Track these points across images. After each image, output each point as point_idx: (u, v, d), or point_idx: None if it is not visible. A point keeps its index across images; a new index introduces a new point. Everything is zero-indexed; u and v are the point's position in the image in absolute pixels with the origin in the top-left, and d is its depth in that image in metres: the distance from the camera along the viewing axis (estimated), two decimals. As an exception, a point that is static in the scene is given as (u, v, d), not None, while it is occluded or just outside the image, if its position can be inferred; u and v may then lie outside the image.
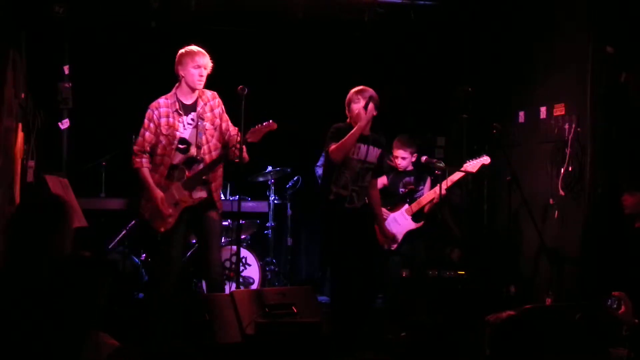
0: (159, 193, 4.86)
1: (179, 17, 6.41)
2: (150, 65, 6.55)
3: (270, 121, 4.84)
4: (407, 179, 6.00)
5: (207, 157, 4.90)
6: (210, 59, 4.94)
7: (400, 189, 5.98)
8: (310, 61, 7.12)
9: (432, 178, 5.95)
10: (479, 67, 6.91)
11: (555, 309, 4.56)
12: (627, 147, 5.53)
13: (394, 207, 5.96)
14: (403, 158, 5.97)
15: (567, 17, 5.92)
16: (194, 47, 4.95)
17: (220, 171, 5.00)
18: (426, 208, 5.85)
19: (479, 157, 5.69)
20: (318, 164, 6.13)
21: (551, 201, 5.97)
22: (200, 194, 4.93)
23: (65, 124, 6.39)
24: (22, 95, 5.49)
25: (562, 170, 5.81)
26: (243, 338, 4.28)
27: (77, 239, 2.84)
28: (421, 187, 5.96)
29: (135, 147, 4.95)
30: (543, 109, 6.14)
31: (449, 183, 5.72)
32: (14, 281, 2.59)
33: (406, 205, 5.90)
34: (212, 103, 4.97)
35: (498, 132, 5.71)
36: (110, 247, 6.28)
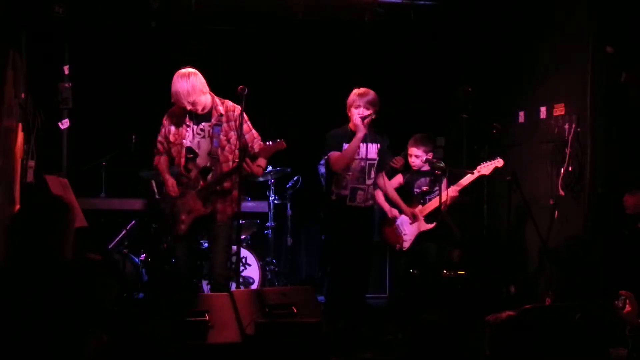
0: (169, 179, 4.95)
1: (179, 17, 6.41)
2: (150, 65, 6.55)
3: (280, 140, 4.80)
4: (421, 180, 5.97)
5: (219, 168, 4.91)
6: (191, 64, 4.87)
7: (415, 190, 5.95)
8: (310, 61, 7.12)
9: (446, 179, 5.93)
10: (479, 67, 6.91)
11: (555, 309, 4.55)
12: (627, 147, 5.53)
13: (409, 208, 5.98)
14: (417, 156, 5.90)
15: (567, 17, 5.92)
16: (175, 75, 4.84)
17: (234, 182, 4.95)
18: (443, 208, 5.84)
19: (493, 160, 5.67)
20: (321, 162, 6.12)
21: (551, 201, 5.97)
22: (213, 205, 4.94)
23: (65, 124, 6.39)
24: (22, 95, 5.48)
25: (562, 170, 5.81)
26: (243, 338, 4.28)
27: (77, 239, 2.84)
28: (436, 189, 5.94)
29: (156, 146, 5.06)
30: (543, 109, 6.14)
31: (463, 185, 5.73)
32: (17, 282, 2.59)
33: (419, 206, 5.88)
34: (229, 114, 4.94)
35: (498, 132, 5.71)
36: (110, 247, 6.29)
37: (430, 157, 5.84)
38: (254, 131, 5.04)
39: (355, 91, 5.16)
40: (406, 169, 6.05)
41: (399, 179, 6.04)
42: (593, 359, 3.88)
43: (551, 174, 5.99)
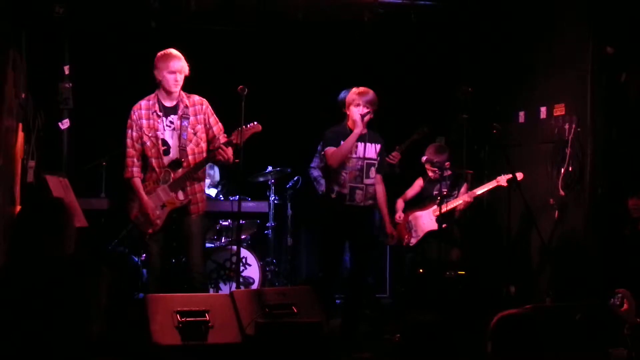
0: (150, 203, 4.93)
1: (179, 17, 6.40)
2: (150, 65, 6.53)
3: (255, 123, 4.89)
4: (442, 183, 6.00)
5: (189, 159, 4.94)
6: (187, 60, 4.96)
7: (434, 192, 6.00)
8: (310, 61, 7.12)
9: (467, 185, 5.98)
10: (479, 67, 6.90)
11: (555, 309, 4.55)
12: (627, 147, 5.53)
13: (424, 207, 6.07)
14: (434, 171, 6.00)
15: (567, 17, 5.92)
16: (169, 51, 4.98)
17: (201, 174, 5.07)
18: (456, 213, 5.89)
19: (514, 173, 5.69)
20: (312, 165, 6.12)
21: (551, 201, 5.97)
22: (185, 195, 4.98)
23: (65, 124, 6.38)
24: (23, 95, 5.48)
25: (562, 170, 5.81)
26: (243, 338, 4.28)
27: (77, 239, 2.84)
28: (455, 193, 5.98)
29: (127, 151, 4.99)
30: (543, 109, 6.14)
31: (478, 193, 5.81)
32: (16, 281, 2.60)
33: (434, 206, 5.90)
34: (196, 108, 5.00)
35: (498, 132, 5.70)
36: (110, 247, 6.28)
37: (448, 166, 5.92)
38: (220, 124, 5.07)
39: (355, 90, 5.19)
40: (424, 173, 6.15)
41: (420, 182, 6.20)
42: (593, 359, 3.88)
43: (551, 174, 5.98)
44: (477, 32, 6.89)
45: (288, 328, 4.27)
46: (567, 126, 5.80)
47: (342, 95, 5.86)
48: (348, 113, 5.20)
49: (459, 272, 5.83)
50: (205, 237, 5.19)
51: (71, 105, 6.36)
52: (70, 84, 6.34)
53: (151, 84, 5.45)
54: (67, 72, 6.36)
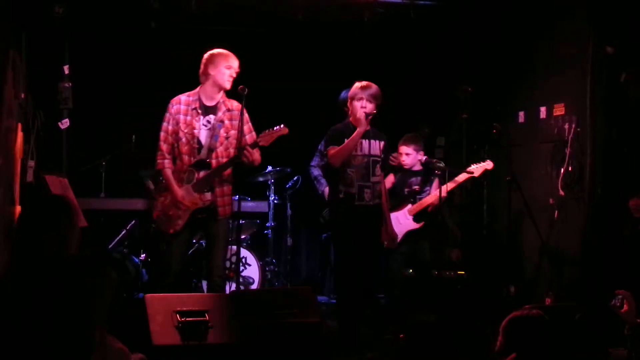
0: (180, 191, 4.88)
1: (179, 17, 6.40)
2: (150, 65, 6.55)
3: (282, 125, 4.82)
4: (412, 179, 5.98)
5: (214, 162, 4.89)
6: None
7: (405, 189, 5.98)
8: (310, 61, 7.12)
9: (439, 179, 5.95)
10: (479, 67, 6.90)
11: (555, 309, 4.55)
12: (627, 147, 5.53)
13: (397, 207, 5.97)
14: (407, 154, 5.93)
15: (567, 17, 5.92)
16: (225, 50, 5.00)
17: (228, 176, 4.99)
18: (429, 208, 5.85)
19: (483, 162, 5.68)
20: (312, 163, 6.11)
21: (551, 201, 5.97)
22: (208, 197, 4.92)
23: (65, 124, 6.38)
24: (22, 95, 5.48)
25: (562, 170, 5.81)
26: (243, 338, 4.28)
27: (80, 239, 2.85)
28: (427, 188, 5.95)
29: (160, 144, 4.95)
30: (543, 109, 6.14)
31: (452, 185, 5.73)
32: (17, 281, 2.60)
33: (409, 205, 5.91)
34: (233, 113, 4.95)
35: (498, 132, 5.70)
36: (110, 247, 6.29)
37: (422, 156, 5.88)
38: (254, 133, 5.01)
39: (358, 84, 5.10)
40: (398, 168, 6.08)
41: (391, 178, 6.07)
42: (593, 359, 3.88)
43: (551, 174, 5.98)
44: (477, 32, 6.89)
45: (288, 328, 4.27)
46: (567, 126, 5.80)
47: (343, 95, 5.85)
48: (350, 108, 5.13)
49: (459, 272, 5.82)
50: (228, 241, 5.16)
51: (71, 105, 6.36)
52: (70, 84, 6.34)
53: (151, 84, 5.47)
54: (67, 72, 6.36)
